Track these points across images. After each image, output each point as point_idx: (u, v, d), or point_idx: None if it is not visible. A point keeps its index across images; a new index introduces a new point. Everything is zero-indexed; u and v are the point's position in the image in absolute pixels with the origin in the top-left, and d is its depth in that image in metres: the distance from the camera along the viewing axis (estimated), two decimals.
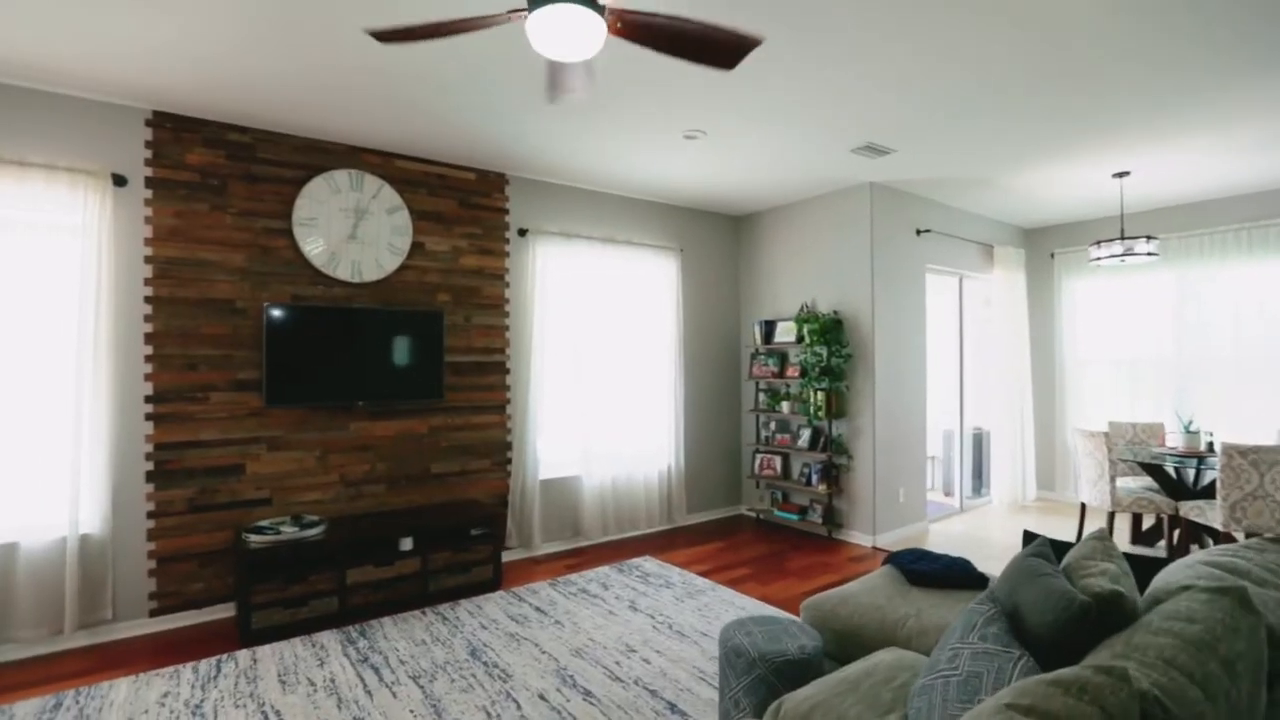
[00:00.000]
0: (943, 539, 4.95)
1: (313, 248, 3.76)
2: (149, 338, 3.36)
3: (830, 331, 4.88)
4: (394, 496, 4.06)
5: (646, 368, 5.17)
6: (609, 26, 2.04)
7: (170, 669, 2.90)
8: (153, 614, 3.35)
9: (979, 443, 6.15)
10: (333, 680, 2.81)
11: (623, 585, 3.97)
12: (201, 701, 2.63)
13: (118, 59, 2.85)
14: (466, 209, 4.35)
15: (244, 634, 3.18)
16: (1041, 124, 3.64)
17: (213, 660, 2.98)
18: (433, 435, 4.20)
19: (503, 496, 4.49)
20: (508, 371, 4.53)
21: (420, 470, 4.15)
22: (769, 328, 5.46)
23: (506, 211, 4.53)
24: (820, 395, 4.93)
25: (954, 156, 4.20)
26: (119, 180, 3.26)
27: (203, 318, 3.49)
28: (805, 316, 4.96)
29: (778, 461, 5.38)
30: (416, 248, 4.14)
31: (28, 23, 2.54)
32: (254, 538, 3.29)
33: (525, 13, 1.89)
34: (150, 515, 3.35)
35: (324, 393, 3.71)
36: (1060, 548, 2.34)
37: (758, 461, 5.48)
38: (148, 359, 3.35)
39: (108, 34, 2.64)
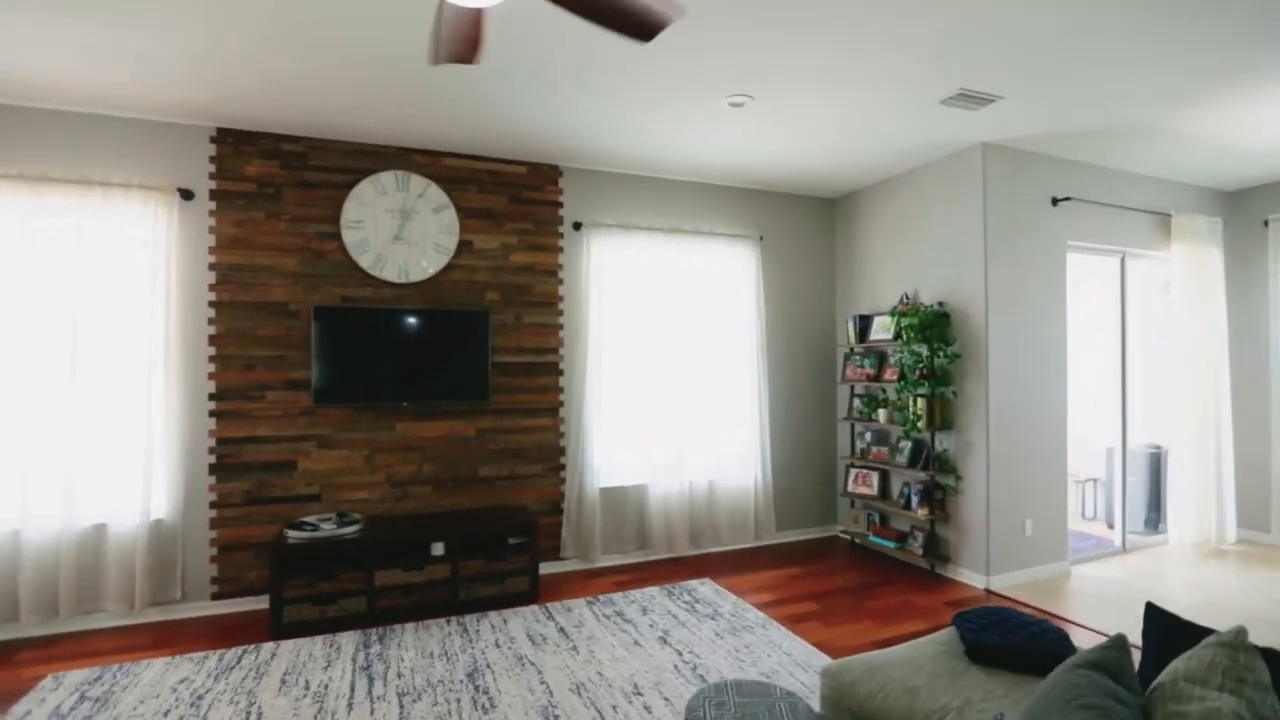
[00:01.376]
0: (1089, 587, 3.92)
1: (359, 250, 3.83)
2: (212, 339, 3.60)
3: (932, 326, 4.08)
4: (440, 499, 4.03)
5: (722, 369, 4.70)
6: None
7: (202, 654, 3.04)
8: (214, 597, 3.58)
9: (1155, 465, 4.86)
10: (326, 686, 2.76)
11: (664, 611, 3.58)
12: (205, 693, 2.70)
13: (187, 81, 3.05)
14: (517, 204, 4.22)
15: (275, 627, 3.27)
16: (1234, 33, 2.67)
17: (238, 650, 3.09)
18: (481, 438, 4.11)
19: (555, 503, 4.30)
20: (561, 373, 4.33)
21: (468, 473, 4.08)
22: (864, 323, 4.73)
23: (560, 205, 4.34)
24: (920, 403, 4.14)
25: (1089, 97, 3.27)
26: (186, 194, 3.53)
27: (259, 320, 3.68)
28: (904, 309, 4.20)
29: (874, 478, 4.64)
30: (464, 246, 4.08)
31: (114, 59, 2.78)
32: (292, 533, 3.38)
33: None
34: (213, 505, 3.59)
35: (370, 393, 3.76)
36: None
37: (852, 477, 4.78)
38: (211, 359, 3.60)
39: (178, 59, 2.81)
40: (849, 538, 4.90)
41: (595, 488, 4.32)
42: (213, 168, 3.60)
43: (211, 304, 3.60)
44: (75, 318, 3.29)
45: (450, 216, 4.02)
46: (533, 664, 2.95)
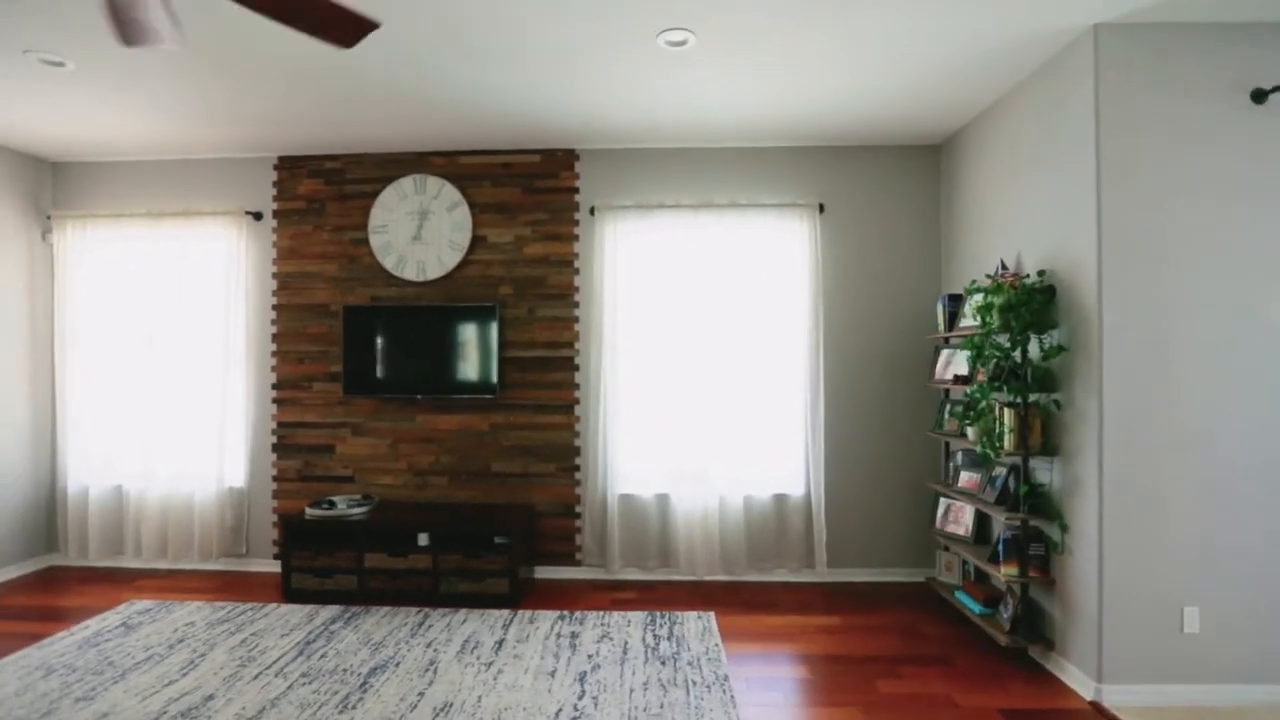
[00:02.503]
0: None
1: (384, 252, 4.11)
2: (274, 338, 4.21)
3: (1021, 306, 2.85)
4: (455, 491, 4.12)
5: (763, 367, 3.97)
6: None
7: (225, 603, 3.58)
8: (275, 557, 4.19)
9: None
10: (264, 652, 3.00)
11: (620, 642, 3.14)
12: (190, 637, 3.16)
13: (256, 125, 3.69)
14: (531, 194, 4.10)
15: (285, 591, 3.69)
16: None
17: (245, 605, 3.56)
18: (493, 433, 4.10)
19: (569, 506, 4.08)
20: (577, 368, 4.09)
21: (481, 467, 4.11)
22: (955, 306, 3.54)
23: (576, 190, 4.09)
24: (1008, 415, 2.94)
25: None
26: (255, 215, 4.18)
27: (308, 320, 4.19)
28: (992, 283, 3.01)
29: (968, 514, 3.45)
30: (478, 241, 4.11)
31: (203, 115, 3.47)
32: (310, 510, 3.78)
33: None
34: (274, 479, 4.20)
35: (390, 385, 4.02)
36: None
37: (942, 510, 3.62)
38: (273, 354, 4.21)
39: (250, 110, 3.42)
40: (940, 586, 3.72)
41: (615, 493, 3.99)
42: (274, 191, 4.21)
43: (274, 307, 4.20)
44: (179, 322, 4.14)
45: (463, 213, 4.07)
46: (434, 674, 2.83)
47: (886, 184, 3.99)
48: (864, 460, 4.00)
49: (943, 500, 3.64)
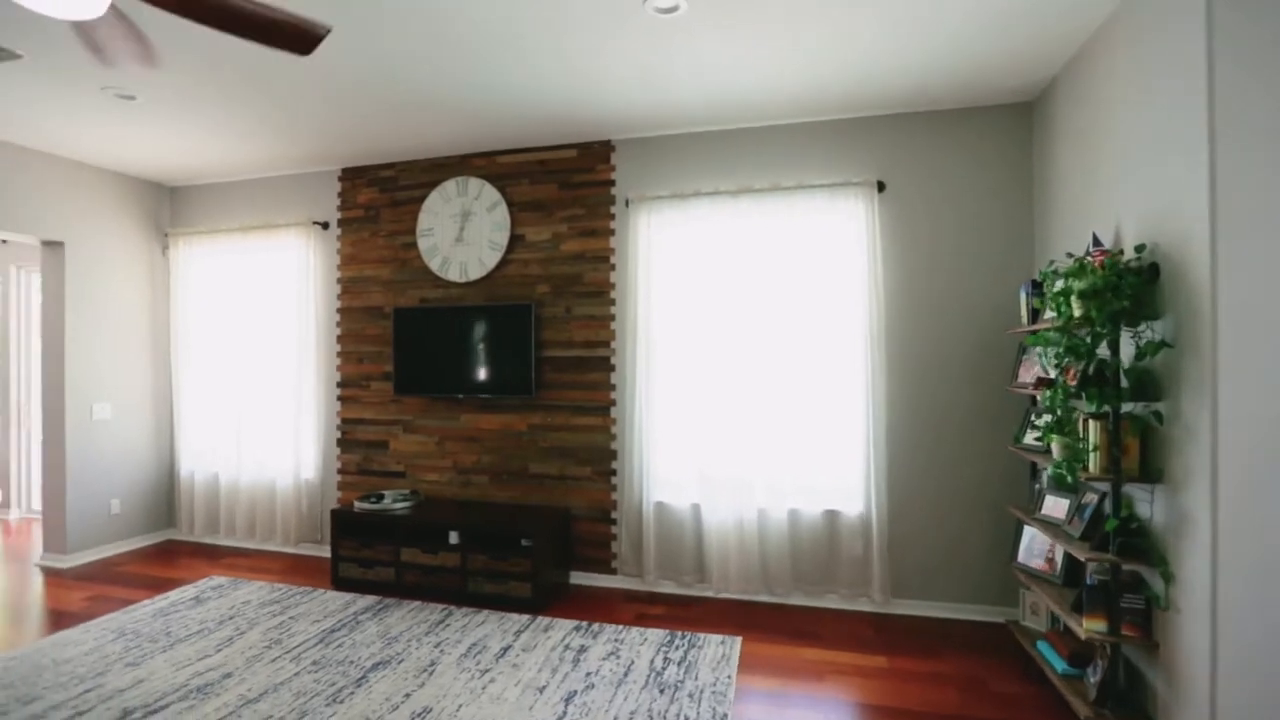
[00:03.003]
0: None
1: (430, 255, 4.21)
2: (338, 339, 4.47)
3: (1109, 292, 2.25)
4: (496, 490, 4.12)
5: (811, 366, 3.54)
6: None
7: (284, 586, 3.84)
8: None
9: None
10: (292, 635, 3.15)
11: (625, 662, 2.92)
12: (236, 615, 3.40)
13: (323, 142, 3.95)
14: (567, 190, 3.99)
15: (334, 578, 3.88)
16: None
17: (297, 589, 3.78)
18: (531, 434, 4.04)
19: (605, 511, 3.92)
20: (614, 368, 3.92)
21: (520, 468, 4.07)
22: (1038, 295, 2.90)
23: (612, 183, 3.92)
24: (1093, 428, 2.35)
25: None
26: (323, 225, 4.47)
27: (366, 322, 4.40)
28: (1075, 264, 2.42)
29: (1059, 548, 2.82)
30: (516, 240, 4.07)
31: (276, 138, 3.83)
32: (359, 503, 3.96)
33: None
34: (338, 472, 4.47)
35: (436, 385, 4.11)
36: None
37: (1027, 540, 2.99)
38: (338, 355, 4.47)
39: (315, 129, 3.70)
40: (1023, 633, 3.08)
41: (650, 500, 3.77)
42: (339, 201, 4.47)
43: (338, 310, 4.47)
44: (262, 325, 4.54)
45: (502, 213, 4.06)
46: (429, 676, 2.80)
47: (962, 153, 3.40)
48: (933, 476, 3.43)
49: (1026, 529, 3.01)
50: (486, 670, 2.84)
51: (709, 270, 3.68)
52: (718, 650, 3.03)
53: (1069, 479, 2.40)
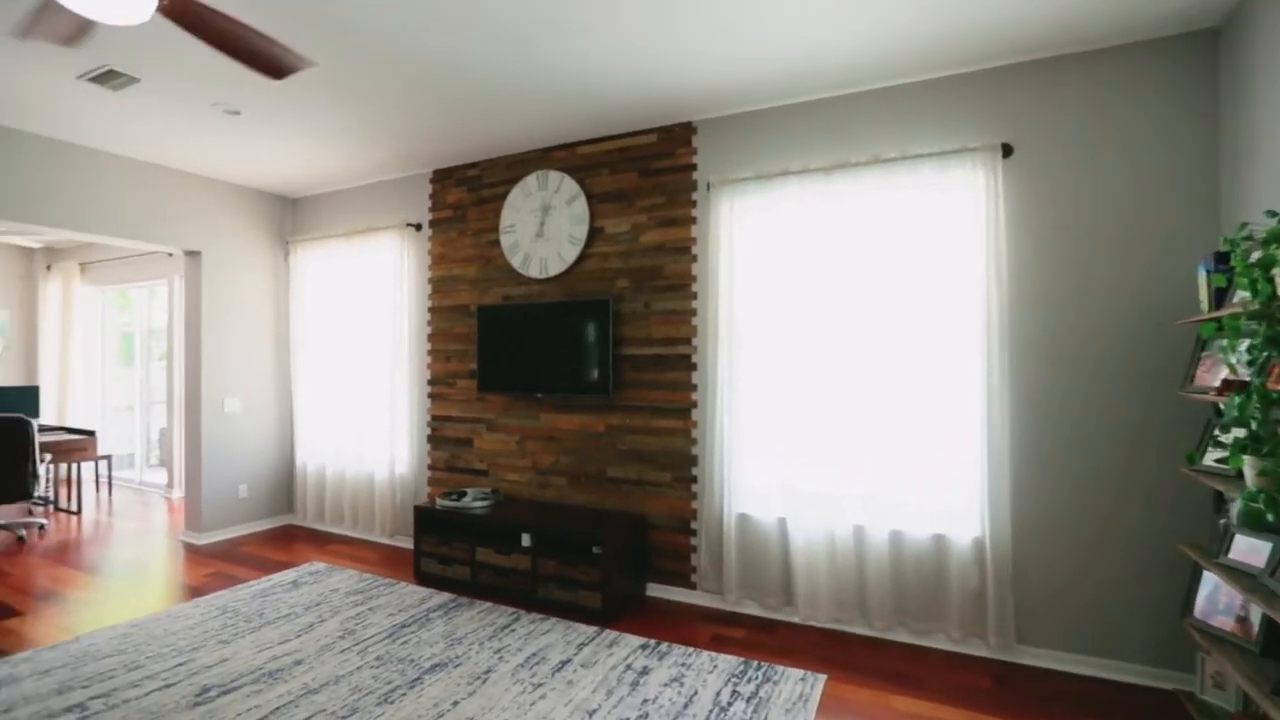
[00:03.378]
0: None
1: (512, 252, 4.17)
2: (429, 337, 4.57)
3: None
4: (574, 493, 3.98)
5: (918, 366, 3.05)
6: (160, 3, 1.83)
7: (371, 576, 3.95)
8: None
9: None
10: (367, 627, 3.19)
11: (688, 693, 2.63)
12: (328, 601, 3.52)
13: (416, 146, 4.08)
14: (647, 177, 3.78)
15: (416, 573, 3.93)
16: None
17: (386, 581, 3.86)
18: (609, 435, 3.86)
19: (685, 521, 3.65)
20: (695, 367, 3.64)
21: (597, 471, 3.90)
22: (1222, 271, 2.24)
23: (693, 168, 3.65)
24: None
25: None
26: (416, 226, 4.60)
27: (454, 320, 4.46)
28: (1263, 229, 1.82)
29: (1254, 609, 2.15)
30: (596, 233, 3.92)
31: (378, 147, 4.05)
32: (441, 500, 4.00)
33: None
34: (429, 468, 4.56)
35: (516, 383, 4.06)
36: None
37: (1206, 590, 2.33)
38: (428, 353, 4.57)
39: (409, 134, 3.87)
40: (1203, 712, 2.39)
41: (732, 512, 3.46)
42: (430, 202, 4.57)
43: (429, 309, 4.57)
44: (364, 324, 4.75)
45: (581, 205, 3.93)
46: (481, 684, 2.69)
47: (1118, 101, 2.75)
48: (1073, 499, 2.80)
49: (1206, 576, 2.34)
50: (540, 685, 2.67)
51: (797, 258, 3.30)
52: (796, 688, 2.65)
53: (1269, 516, 1.79)
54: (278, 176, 4.71)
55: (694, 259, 3.64)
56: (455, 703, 2.53)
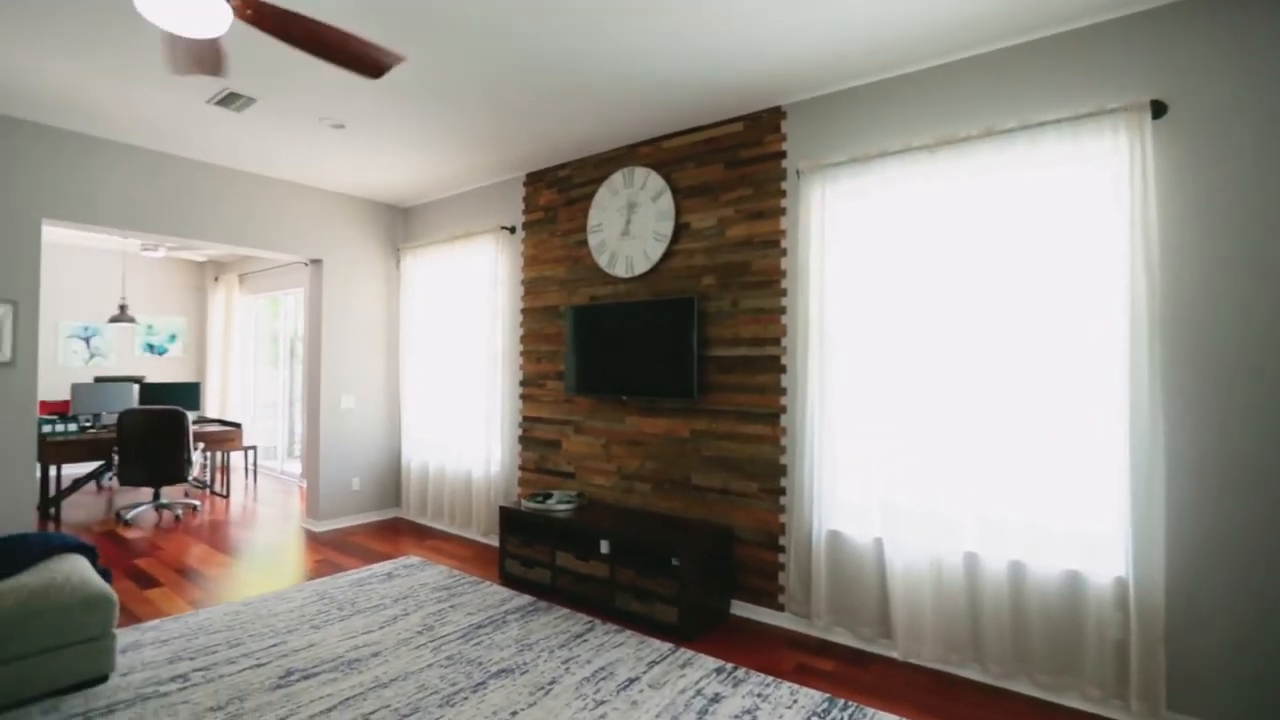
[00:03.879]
0: None
1: (599, 251, 4.11)
2: (521, 338, 4.62)
3: None
4: (657, 499, 3.83)
5: (1042, 369, 2.59)
6: (237, 10, 1.91)
7: (459, 573, 4.02)
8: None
9: None
10: (444, 623, 3.23)
11: None
12: (415, 595, 3.62)
13: (505, 147, 4.18)
14: (733, 168, 3.56)
15: (500, 573, 3.95)
16: None
17: (472, 579, 3.91)
18: (694, 440, 3.67)
19: (773, 536, 3.37)
20: (784, 369, 3.37)
21: (682, 478, 3.72)
22: None
23: (782, 155, 3.39)
24: None
25: None
26: (510, 229, 4.68)
27: (544, 322, 4.47)
28: None
29: None
30: (682, 229, 3.76)
31: (474, 154, 4.24)
32: (526, 502, 4.00)
33: None
34: (520, 468, 4.60)
35: (601, 385, 3.99)
36: None
37: None
38: (520, 354, 4.62)
39: (507, 141, 4.04)
40: None
41: (822, 528, 3.15)
42: (523, 205, 4.63)
43: (521, 311, 4.62)
44: (462, 326, 4.90)
45: (667, 201, 3.79)
46: (544, 695, 2.59)
47: None
48: (1251, 536, 2.23)
49: None
50: (602, 703, 2.54)
51: (897, 248, 2.94)
52: None
53: None
54: (388, 187, 5.00)
55: (783, 253, 3.37)
56: (514, 713, 2.45)
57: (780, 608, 3.34)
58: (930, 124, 2.91)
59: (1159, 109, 2.40)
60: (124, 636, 3.05)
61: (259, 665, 2.79)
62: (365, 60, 2.16)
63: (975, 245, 2.74)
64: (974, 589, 2.73)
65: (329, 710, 2.44)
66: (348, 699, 2.52)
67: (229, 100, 3.40)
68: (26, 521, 3.67)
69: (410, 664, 2.83)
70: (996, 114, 2.74)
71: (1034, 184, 2.62)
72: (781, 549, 3.34)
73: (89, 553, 2.93)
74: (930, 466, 2.82)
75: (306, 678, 2.69)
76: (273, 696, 2.53)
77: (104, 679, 2.60)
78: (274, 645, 2.99)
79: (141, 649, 2.93)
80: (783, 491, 3.35)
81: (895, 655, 2.93)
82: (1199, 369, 2.33)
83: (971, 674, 2.75)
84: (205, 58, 2.12)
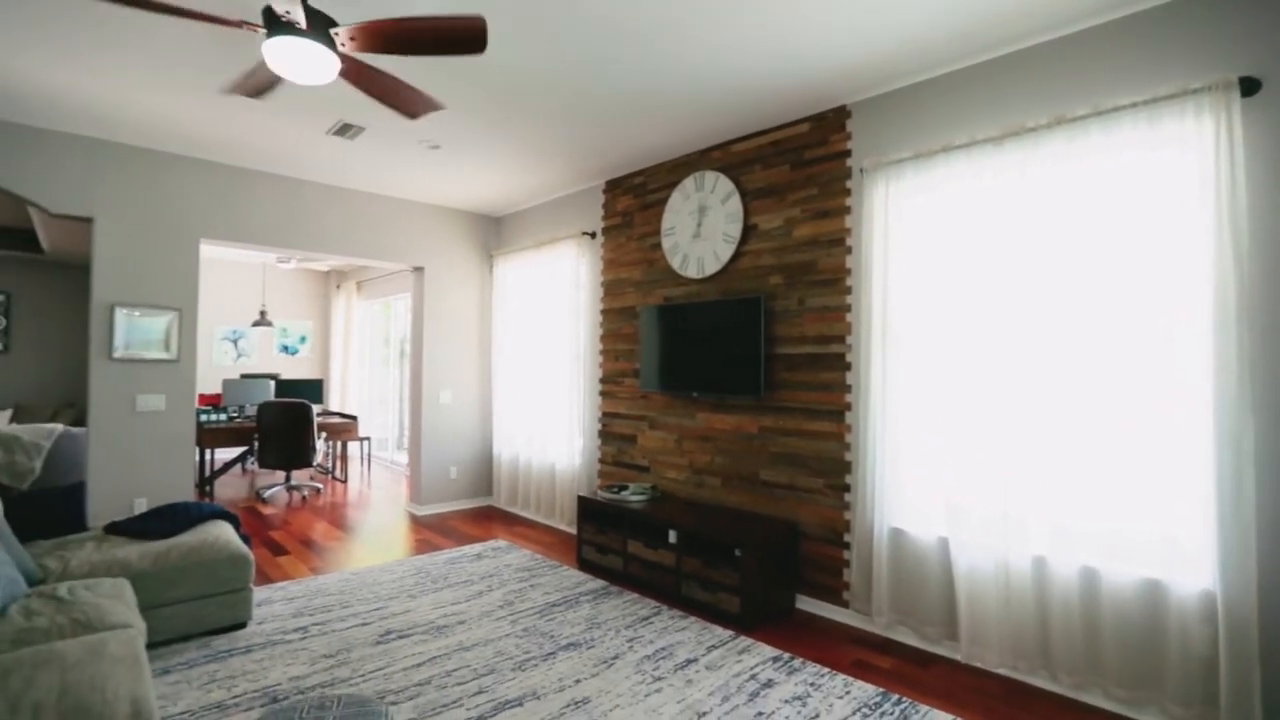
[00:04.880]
0: None
1: (672, 253, 4.27)
2: (600, 338, 4.87)
3: None
4: (727, 494, 3.94)
5: (1119, 365, 2.48)
6: (346, 40, 2.23)
7: (541, 558, 4.31)
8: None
9: None
10: (523, 600, 3.51)
11: (799, 717, 2.45)
12: (499, 574, 3.94)
13: (582, 157, 4.48)
14: (799, 169, 3.61)
15: (578, 559, 4.20)
16: None
17: (552, 563, 4.20)
18: (762, 437, 3.75)
19: (838, 533, 3.39)
20: (849, 367, 3.38)
21: (750, 473, 3.81)
22: None
23: (847, 154, 3.40)
24: None
25: None
26: (591, 234, 4.94)
27: (621, 322, 4.70)
28: None
29: None
30: (750, 231, 3.85)
31: (574, 166, 4.60)
32: (602, 493, 4.24)
33: (261, 31, 2.32)
34: (599, 461, 4.85)
35: (673, 382, 4.15)
36: None
37: None
38: (600, 353, 4.87)
39: (589, 153, 4.37)
40: None
41: (884, 526, 3.15)
42: (602, 211, 4.88)
43: (601, 311, 4.87)
44: (545, 326, 5.23)
45: (735, 203, 3.89)
46: (606, 668, 2.79)
47: None
48: None
49: None
50: (660, 679, 2.70)
51: (964, 244, 2.89)
52: None
53: None
54: (481, 198, 5.42)
55: (848, 251, 3.39)
56: (577, 680, 2.67)
57: (844, 604, 3.35)
58: (996, 115, 2.85)
59: (1250, 86, 2.24)
60: (259, 593, 3.56)
61: (364, 624, 3.18)
62: (410, 105, 2.48)
63: (1045, 238, 2.65)
64: (1042, 595, 2.65)
65: (418, 665, 2.77)
66: (434, 657, 2.84)
67: (343, 130, 3.87)
68: (186, 493, 4.34)
69: (490, 633, 3.12)
70: (1066, 101, 2.64)
71: (1108, 172, 2.51)
72: (846, 545, 3.36)
73: (233, 520, 3.46)
74: (997, 467, 2.75)
75: (401, 637, 3.04)
76: (374, 650, 2.90)
77: (243, 625, 3.08)
78: (377, 609, 3.39)
79: (272, 604, 3.42)
80: (847, 488, 3.36)
81: (959, 658, 2.88)
82: None
83: (1040, 682, 2.66)
84: (266, 86, 2.51)
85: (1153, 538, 2.40)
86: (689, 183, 4.17)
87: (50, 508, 3.10)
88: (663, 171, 4.40)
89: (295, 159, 4.44)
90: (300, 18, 2.08)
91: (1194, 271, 2.32)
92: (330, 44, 2.20)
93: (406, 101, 2.56)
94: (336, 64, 2.25)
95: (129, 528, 3.08)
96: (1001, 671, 2.76)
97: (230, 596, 3.01)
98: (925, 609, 3.01)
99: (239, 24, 2.18)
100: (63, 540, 3.00)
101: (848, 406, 3.37)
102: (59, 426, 3.99)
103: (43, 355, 7.38)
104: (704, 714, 2.43)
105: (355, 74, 2.40)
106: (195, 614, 2.91)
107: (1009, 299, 2.73)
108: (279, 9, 2.02)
